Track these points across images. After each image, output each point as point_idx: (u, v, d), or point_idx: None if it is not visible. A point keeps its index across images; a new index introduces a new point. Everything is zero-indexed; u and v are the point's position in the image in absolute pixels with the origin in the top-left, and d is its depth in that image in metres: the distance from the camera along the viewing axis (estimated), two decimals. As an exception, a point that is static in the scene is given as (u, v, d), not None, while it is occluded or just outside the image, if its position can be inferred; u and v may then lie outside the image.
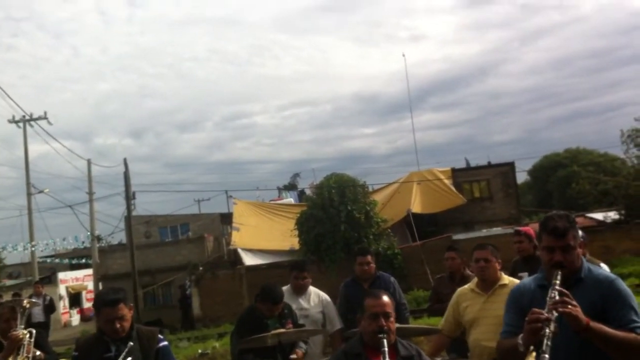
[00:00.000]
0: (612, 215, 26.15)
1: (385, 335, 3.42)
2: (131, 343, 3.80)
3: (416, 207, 29.21)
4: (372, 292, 3.80)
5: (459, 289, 5.32)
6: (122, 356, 3.72)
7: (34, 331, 5.09)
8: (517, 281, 4.81)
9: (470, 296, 5.11)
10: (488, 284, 5.05)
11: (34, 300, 7.20)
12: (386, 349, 3.35)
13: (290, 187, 50.00)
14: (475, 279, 5.22)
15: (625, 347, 2.87)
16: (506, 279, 5.07)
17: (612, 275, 3.17)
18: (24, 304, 5.21)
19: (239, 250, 27.96)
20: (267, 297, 5.47)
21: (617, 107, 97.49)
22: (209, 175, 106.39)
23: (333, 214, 24.00)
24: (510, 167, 34.32)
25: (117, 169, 45.49)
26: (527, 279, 3.42)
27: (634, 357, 2.91)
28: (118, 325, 3.81)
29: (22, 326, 5.03)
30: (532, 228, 6.63)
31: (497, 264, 5.11)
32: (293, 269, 6.50)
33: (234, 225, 29.59)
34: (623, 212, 25.04)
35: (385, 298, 3.62)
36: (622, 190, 24.57)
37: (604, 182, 26.14)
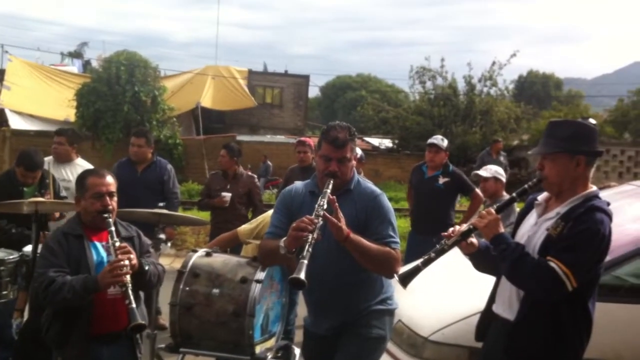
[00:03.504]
0: (387, 142, 27.98)
1: (110, 215, 3.35)
2: None
3: (206, 102, 29.02)
4: (96, 171, 3.62)
5: None
6: None
7: None
8: None
9: None
10: None
11: None
12: (113, 228, 3.30)
13: (76, 55, 46.46)
14: None
15: (378, 259, 3.04)
16: None
17: (378, 191, 3.28)
18: None
19: (7, 111, 25.77)
20: (21, 162, 5.26)
21: (413, 43, 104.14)
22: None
23: (118, 92, 22.82)
24: (305, 80, 35.16)
25: None
26: (299, 183, 3.42)
27: (385, 269, 3.11)
28: None
29: None
30: (313, 141, 6.84)
31: None
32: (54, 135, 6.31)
33: (5, 83, 27.10)
34: (397, 141, 26.87)
35: (110, 178, 3.47)
36: (400, 121, 26.16)
37: (386, 111, 27.55)
